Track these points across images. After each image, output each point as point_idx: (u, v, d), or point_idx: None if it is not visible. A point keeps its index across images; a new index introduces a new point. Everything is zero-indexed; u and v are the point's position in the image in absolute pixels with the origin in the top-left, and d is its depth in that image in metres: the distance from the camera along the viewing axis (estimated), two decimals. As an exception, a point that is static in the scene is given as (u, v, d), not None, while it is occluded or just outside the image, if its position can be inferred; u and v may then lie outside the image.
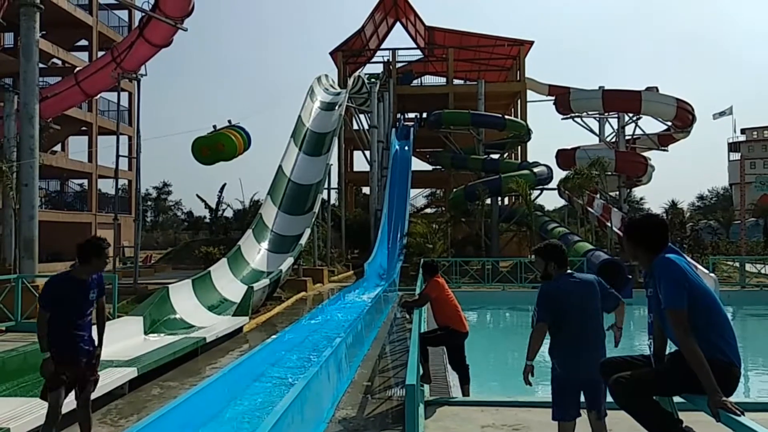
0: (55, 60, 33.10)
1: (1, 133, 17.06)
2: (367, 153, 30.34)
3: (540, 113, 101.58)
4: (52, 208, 31.27)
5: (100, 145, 35.32)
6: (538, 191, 29.98)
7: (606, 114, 30.79)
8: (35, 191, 13.43)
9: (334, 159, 24.74)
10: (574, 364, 4.15)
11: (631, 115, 30.03)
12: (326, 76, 30.84)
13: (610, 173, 27.26)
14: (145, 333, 9.75)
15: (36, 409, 5.46)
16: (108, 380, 6.55)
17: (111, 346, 8.46)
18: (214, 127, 19.32)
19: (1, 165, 15.23)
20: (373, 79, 32.93)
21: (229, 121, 19.61)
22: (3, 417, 5.20)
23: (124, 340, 8.95)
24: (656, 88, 31.76)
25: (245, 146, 19.25)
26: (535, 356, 4.23)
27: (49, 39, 29.93)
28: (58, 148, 36.06)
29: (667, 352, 3.31)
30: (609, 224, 22.94)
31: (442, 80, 42.99)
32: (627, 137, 30.83)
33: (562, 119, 31.54)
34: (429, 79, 45.48)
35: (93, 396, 6.16)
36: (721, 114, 34.76)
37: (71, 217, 32.59)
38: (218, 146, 18.62)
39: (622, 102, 29.34)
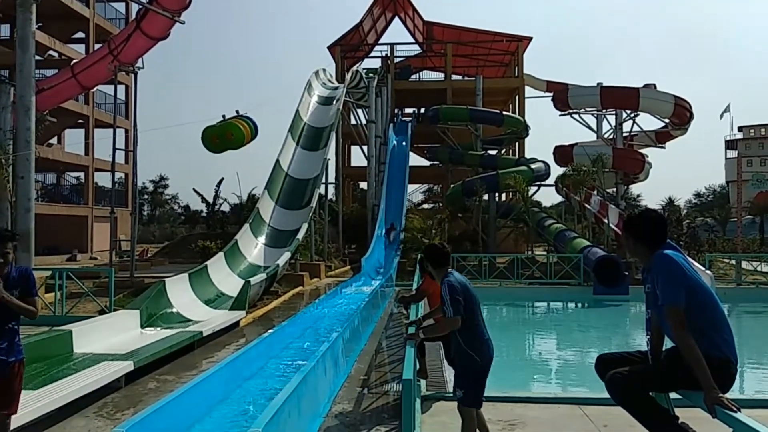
0: (51, 52, 32.93)
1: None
2: (365, 148, 30.29)
3: (538, 109, 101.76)
4: (48, 201, 31.17)
5: (97, 137, 35.22)
6: (536, 187, 29.99)
7: (604, 111, 30.80)
8: (31, 184, 13.37)
9: (331, 154, 24.71)
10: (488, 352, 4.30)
11: (628, 112, 30.04)
12: (324, 70, 30.75)
13: (607, 170, 27.28)
14: (142, 327, 9.74)
15: (32, 402, 5.47)
16: (104, 374, 6.55)
17: (107, 339, 8.48)
18: (223, 116, 19.88)
19: (-3, 157, 15.13)
20: (371, 74, 32.86)
21: (237, 111, 20.12)
22: None
23: (120, 334, 8.95)
24: (654, 85, 31.74)
25: (252, 135, 19.83)
26: None
27: (46, 31, 29.77)
28: (54, 140, 35.92)
29: (664, 349, 3.32)
30: (606, 221, 22.97)
31: (440, 75, 42.94)
32: (625, 134, 30.84)
33: (560, 116, 31.57)
34: (427, 75, 45.41)
35: (89, 390, 6.17)
36: (725, 112, 34.83)
37: (68, 210, 32.50)
38: (227, 135, 19.22)
39: (620, 99, 29.35)
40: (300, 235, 18.16)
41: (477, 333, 4.30)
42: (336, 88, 28.54)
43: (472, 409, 4.35)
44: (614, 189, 29.85)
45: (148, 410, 4.94)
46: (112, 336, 8.71)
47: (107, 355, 7.53)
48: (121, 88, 31.27)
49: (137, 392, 6.77)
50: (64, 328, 8.15)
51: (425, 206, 47.51)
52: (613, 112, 30.54)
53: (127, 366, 6.97)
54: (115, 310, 10.79)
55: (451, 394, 6.41)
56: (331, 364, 7.09)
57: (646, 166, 29.44)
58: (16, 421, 5.03)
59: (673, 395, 3.36)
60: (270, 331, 9.25)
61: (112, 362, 7.05)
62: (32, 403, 5.44)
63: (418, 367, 6.51)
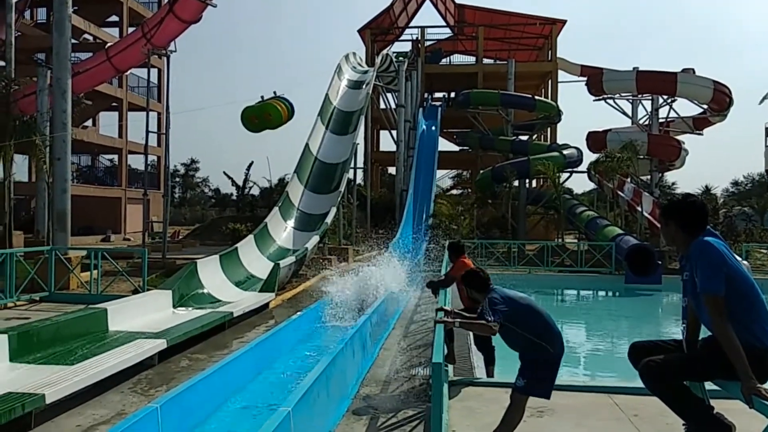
0: (86, 36, 33.49)
1: (34, 107, 17.37)
2: (394, 132, 30.17)
3: (571, 94, 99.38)
4: (83, 183, 31.89)
5: (130, 120, 35.82)
6: (567, 174, 29.56)
7: (639, 96, 30.02)
8: (68, 165, 13.69)
9: (360, 138, 24.67)
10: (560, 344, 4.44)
11: (665, 97, 29.25)
12: (354, 54, 30.62)
13: (641, 157, 26.69)
14: (174, 306, 9.93)
15: (69, 377, 5.62)
16: (138, 351, 6.70)
17: (141, 318, 8.67)
18: (262, 97, 20.58)
19: (34, 139, 15.52)
20: (401, 58, 32.61)
21: (275, 92, 20.73)
22: (38, 384, 5.35)
23: (153, 313, 9.15)
24: (692, 69, 30.82)
25: (289, 115, 20.56)
26: None
27: (81, 15, 30.21)
28: (89, 123, 36.65)
29: (700, 338, 3.25)
30: (639, 209, 22.54)
31: (471, 59, 42.42)
32: (661, 120, 30.08)
33: (594, 101, 30.87)
34: (458, 58, 44.93)
35: (124, 366, 6.33)
36: (765, 98, 33.55)
37: (102, 191, 33.22)
38: (265, 115, 20.03)
39: (657, 83, 28.57)
40: (329, 219, 18.24)
41: (546, 326, 4.39)
42: (366, 72, 28.44)
43: (525, 398, 4.38)
44: (648, 176, 29.24)
45: (181, 387, 5.06)
46: (145, 315, 8.90)
47: (141, 333, 7.71)
48: (153, 72, 31.63)
49: (170, 370, 6.92)
50: (100, 306, 8.36)
51: (454, 192, 47.23)
52: (649, 98, 29.76)
53: (161, 344, 7.12)
54: (148, 290, 11.02)
55: (479, 380, 6.42)
56: (359, 347, 7.14)
57: (683, 153, 28.72)
58: (54, 395, 5.21)
59: (708, 386, 3.29)
60: (299, 313, 9.35)
61: (145, 340, 7.21)
62: (70, 378, 5.59)
63: (446, 351, 6.52)
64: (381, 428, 5.05)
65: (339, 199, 19.60)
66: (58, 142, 13.50)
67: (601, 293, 17.94)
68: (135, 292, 11.30)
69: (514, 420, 4.36)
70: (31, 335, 6.79)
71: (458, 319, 4.66)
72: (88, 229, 28.98)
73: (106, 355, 6.51)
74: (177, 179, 61.77)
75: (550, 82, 38.64)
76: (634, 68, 29.74)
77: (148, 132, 18.35)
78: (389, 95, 31.93)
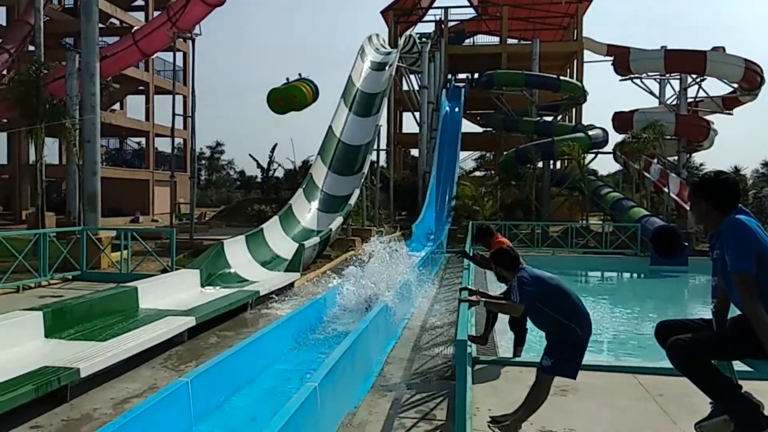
0: (113, 20, 33.81)
1: (63, 91, 17.64)
2: (417, 114, 30.01)
3: (597, 74, 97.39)
4: (112, 165, 32.43)
5: (157, 103, 36.19)
6: (593, 155, 29.15)
7: (667, 75, 29.38)
8: (97, 147, 13.92)
9: (383, 120, 24.60)
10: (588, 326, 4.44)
11: (694, 76, 28.57)
12: (377, 35, 30.41)
13: (669, 137, 26.18)
14: (202, 285, 10.11)
15: (102, 352, 5.80)
16: (168, 328, 6.87)
17: (170, 296, 8.86)
18: (287, 79, 20.80)
19: (64, 122, 15.79)
20: (424, 39, 32.32)
21: (300, 74, 20.90)
22: (72, 358, 5.53)
23: (182, 292, 9.33)
24: (723, 48, 30.02)
25: (314, 97, 20.85)
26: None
27: (107, -1, 30.52)
28: (116, 107, 37.14)
29: (729, 317, 3.22)
30: (666, 190, 22.18)
31: (495, 40, 41.84)
32: (689, 100, 29.43)
33: (621, 80, 30.28)
34: (481, 39, 44.30)
35: (156, 342, 6.50)
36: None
37: (130, 174, 33.77)
38: (291, 97, 20.29)
39: (686, 62, 27.89)
40: (352, 201, 18.32)
41: (575, 307, 4.40)
42: (389, 54, 28.26)
43: (550, 378, 4.41)
44: (676, 157, 28.69)
45: (211, 362, 5.19)
46: (174, 293, 9.09)
47: (170, 311, 7.89)
48: (179, 55, 31.87)
49: (199, 346, 7.08)
50: (130, 284, 8.56)
51: (477, 174, 46.93)
52: (678, 77, 29.11)
53: (190, 321, 7.28)
54: (176, 269, 11.23)
55: (502, 359, 6.45)
56: (383, 325, 7.22)
57: (711, 134, 28.10)
58: (88, 369, 5.38)
59: (736, 365, 3.27)
60: (323, 293, 9.46)
61: (175, 317, 7.38)
62: (103, 353, 5.77)
63: (480, 333, 6.55)
64: (405, 405, 5.13)
65: (362, 180, 19.64)
66: (87, 125, 13.73)
67: (626, 275, 17.77)
68: (164, 271, 11.53)
69: (539, 399, 4.39)
70: (65, 312, 6.99)
71: (483, 298, 4.69)
72: (117, 211, 29.53)
73: (138, 331, 6.68)
74: (203, 162, 62.41)
75: (575, 62, 37.96)
76: (662, 47, 29.05)
77: (174, 115, 18.53)
78: (412, 77, 31.71)
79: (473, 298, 4.63)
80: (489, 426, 4.44)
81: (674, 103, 29.52)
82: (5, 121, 21.58)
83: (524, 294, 4.27)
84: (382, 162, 26.69)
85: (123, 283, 9.01)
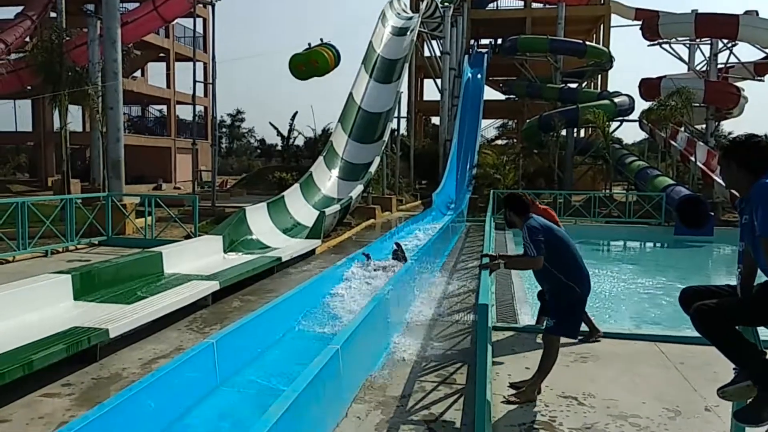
0: (133, -14, 33.66)
1: (86, 58, 17.72)
2: (438, 81, 29.63)
3: (624, 40, 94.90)
4: (134, 133, 32.69)
5: (177, 70, 36.19)
6: (618, 123, 28.61)
7: (698, 40, 28.53)
8: (120, 114, 14.02)
9: (404, 87, 24.34)
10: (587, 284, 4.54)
11: (725, 41, 27.70)
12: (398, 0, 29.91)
13: (697, 104, 25.54)
14: (224, 251, 10.25)
15: (130, 314, 5.93)
16: (193, 291, 7.00)
17: (193, 262, 9.00)
18: (309, 45, 20.82)
19: (87, 88, 15.91)
20: (446, 3, 31.69)
21: (321, 40, 20.96)
22: (101, 320, 5.67)
23: (205, 257, 9.47)
24: (756, 12, 28.97)
25: (336, 62, 20.86)
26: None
27: (127, -36, 30.32)
28: (138, 74, 37.25)
29: (756, 284, 3.17)
30: (693, 159, 21.75)
31: (519, 4, 40.87)
32: (720, 65, 28.59)
33: (649, 46, 29.48)
34: (505, 3, 43.26)
35: (181, 305, 6.64)
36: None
37: (153, 141, 34.02)
38: (312, 62, 20.37)
39: (717, 27, 27.01)
40: (372, 169, 18.29)
41: (577, 266, 4.50)
42: (410, 19, 27.82)
43: (557, 339, 4.48)
44: (704, 125, 28.03)
45: (235, 325, 5.29)
46: (198, 259, 9.23)
47: (194, 275, 8.02)
48: (199, 22, 31.70)
49: (223, 310, 7.21)
50: (155, 249, 8.70)
51: (498, 142, 46.47)
52: (708, 42, 28.24)
53: (214, 285, 7.41)
54: (199, 235, 11.37)
55: (522, 326, 6.47)
56: (404, 291, 7.27)
57: (742, 101, 27.32)
58: (117, 330, 5.52)
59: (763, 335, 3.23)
60: (343, 259, 9.53)
61: (199, 281, 7.51)
62: (130, 315, 5.90)
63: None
64: (424, 369, 5.18)
65: (383, 148, 19.56)
66: (110, 92, 13.81)
67: (649, 244, 17.58)
68: (187, 237, 11.68)
69: (550, 362, 4.47)
70: (93, 276, 7.14)
71: (503, 261, 4.70)
72: (139, 179, 29.89)
73: (163, 294, 6.82)
74: (224, 130, 62.61)
75: (602, 26, 37.02)
76: (692, 11, 28.17)
77: (195, 82, 18.55)
78: (434, 42, 31.22)
79: (494, 263, 4.64)
80: (508, 388, 4.50)
81: (703, 69, 28.72)
82: (29, 88, 21.78)
83: (537, 244, 4.32)
84: (403, 130, 26.58)
85: (147, 249, 9.15)
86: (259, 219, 12.37)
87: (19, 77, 20.89)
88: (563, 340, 4.60)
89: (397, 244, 10.38)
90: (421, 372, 5.11)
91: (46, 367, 4.75)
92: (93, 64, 17.07)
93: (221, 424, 4.19)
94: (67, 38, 17.79)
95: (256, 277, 8.84)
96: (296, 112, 33.20)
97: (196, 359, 4.48)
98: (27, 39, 24.79)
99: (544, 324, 4.65)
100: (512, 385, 4.64)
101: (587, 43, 32.78)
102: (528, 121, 29.79)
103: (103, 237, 11.91)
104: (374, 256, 9.85)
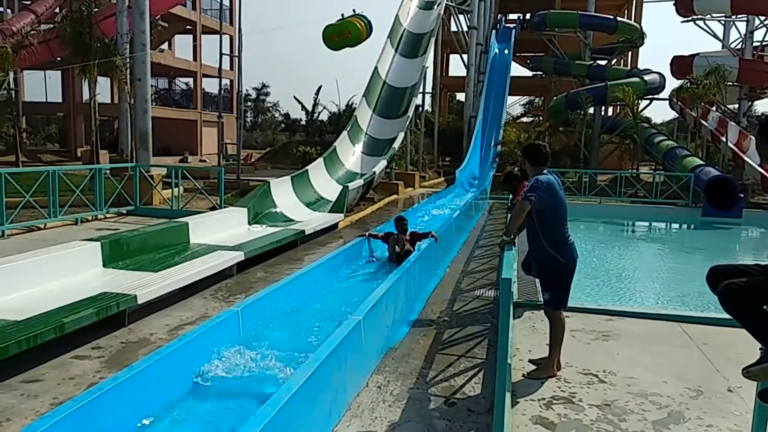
0: (160, -43, 33.60)
1: (114, 29, 17.82)
2: (465, 56, 29.24)
3: (656, 16, 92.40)
4: (161, 105, 32.95)
5: (204, 43, 36.25)
6: (647, 101, 28.00)
7: (733, 17, 27.65)
8: (148, 86, 14.14)
9: (430, 62, 24.07)
10: (573, 255, 4.45)
11: (762, 18, 26.80)
12: (426, -28, 29.39)
13: (731, 83, 24.86)
14: (249, 223, 10.38)
15: (157, 281, 6.07)
16: (218, 261, 7.12)
17: (219, 233, 9.13)
18: (342, 15, 20.92)
19: (115, 59, 16.04)
20: (475, -24, 31.07)
21: (354, 11, 20.92)
22: (129, 286, 5.81)
23: (230, 229, 9.61)
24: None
25: (368, 33, 20.88)
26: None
27: (154, -65, 30.24)
28: (164, 46, 37.40)
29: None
30: (724, 139, 21.24)
31: (549, -22, 39.97)
32: (755, 43, 27.72)
33: (682, 22, 28.70)
34: (535, -23, 42.37)
35: (207, 273, 6.76)
36: None
37: (179, 114, 34.28)
38: (345, 33, 20.42)
39: (755, 3, 26.12)
40: (396, 144, 18.24)
41: (561, 236, 4.44)
42: (437, -8, 27.37)
43: (559, 312, 4.49)
44: (736, 105, 27.31)
45: (260, 294, 5.38)
46: (223, 230, 9.37)
47: (220, 246, 8.15)
48: (225, -6, 31.65)
49: (247, 280, 7.33)
50: (181, 220, 8.84)
51: (524, 120, 45.85)
52: (744, 19, 27.36)
53: (239, 256, 7.53)
54: (224, 207, 11.51)
55: (542, 302, 6.47)
56: (425, 266, 7.30)
57: (778, 81, 26.55)
58: (145, 296, 5.66)
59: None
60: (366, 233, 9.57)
61: (225, 252, 7.63)
62: (158, 282, 6.04)
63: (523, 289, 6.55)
64: (445, 343, 5.23)
65: (407, 124, 19.46)
66: (138, 63, 13.91)
67: (676, 226, 17.32)
68: (212, 209, 11.84)
69: (559, 336, 4.49)
70: (121, 244, 7.30)
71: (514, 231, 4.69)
72: (166, 151, 30.21)
73: (190, 263, 6.95)
74: (249, 103, 62.76)
75: (634, 1, 36.05)
76: (730, -15, 27.21)
77: (221, 54, 18.59)
78: (461, 17, 30.72)
79: (503, 239, 4.65)
80: (529, 363, 4.53)
81: (738, 47, 27.88)
82: (59, 59, 22.03)
83: (533, 192, 4.26)
84: (428, 106, 26.35)
85: (174, 219, 9.31)
86: (283, 192, 12.47)
87: (49, 48, 21.12)
88: (583, 319, 4.60)
89: (399, 220, 8.39)
90: (442, 345, 5.16)
91: (77, 330, 4.90)
92: (121, 36, 17.16)
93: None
94: (96, 9, 17.89)
95: (280, 248, 8.95)
96: (320, 87, 33.17)
97: (221, 326, 4.58)
98: (57, 10, 25.02)
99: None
100: (532, 362, 4.67)
101: (618, 18, 31.99)
102: (555, 98, 29.32)
103: (130, 207, 12.14)
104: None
